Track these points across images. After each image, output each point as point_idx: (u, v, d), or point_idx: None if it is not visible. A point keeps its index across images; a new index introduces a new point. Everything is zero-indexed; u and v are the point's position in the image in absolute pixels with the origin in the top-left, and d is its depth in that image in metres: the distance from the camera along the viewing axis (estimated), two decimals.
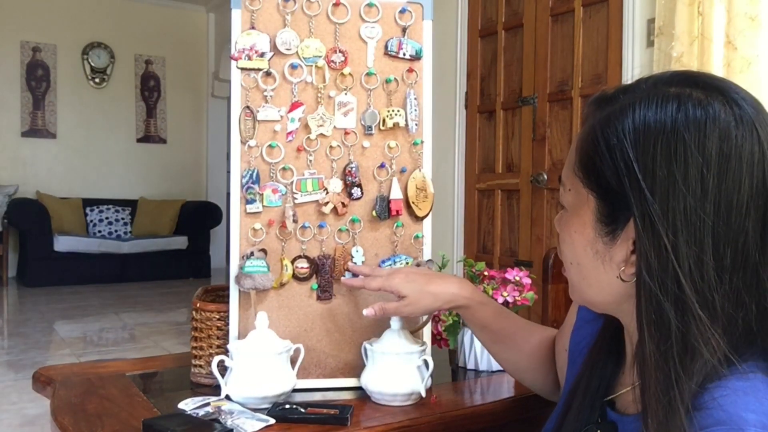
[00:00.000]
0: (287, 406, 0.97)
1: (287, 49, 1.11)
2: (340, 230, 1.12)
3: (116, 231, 6.70)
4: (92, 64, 7.08)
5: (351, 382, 1.11)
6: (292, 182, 1.11)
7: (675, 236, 0.55)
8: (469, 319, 1.00)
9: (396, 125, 1.13)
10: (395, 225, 1.14)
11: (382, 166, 1.14)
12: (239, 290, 1.08)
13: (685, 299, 0.55)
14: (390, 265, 1.13)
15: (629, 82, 0.65)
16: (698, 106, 0.57)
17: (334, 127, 1.12)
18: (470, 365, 1.23)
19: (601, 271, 0.64)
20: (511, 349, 0.99)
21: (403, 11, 1.15)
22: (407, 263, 1.13)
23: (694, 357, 0.54)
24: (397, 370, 1.02)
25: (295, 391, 1.06)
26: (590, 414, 0.70)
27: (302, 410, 0.96)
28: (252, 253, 1.07)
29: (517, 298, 1.21)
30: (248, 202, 1.09)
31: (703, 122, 0.56)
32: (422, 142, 1.15)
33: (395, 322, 1.06)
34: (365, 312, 1.00)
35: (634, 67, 2.85)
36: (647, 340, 0.57)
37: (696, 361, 0.54)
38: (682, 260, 0.55)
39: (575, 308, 0.88)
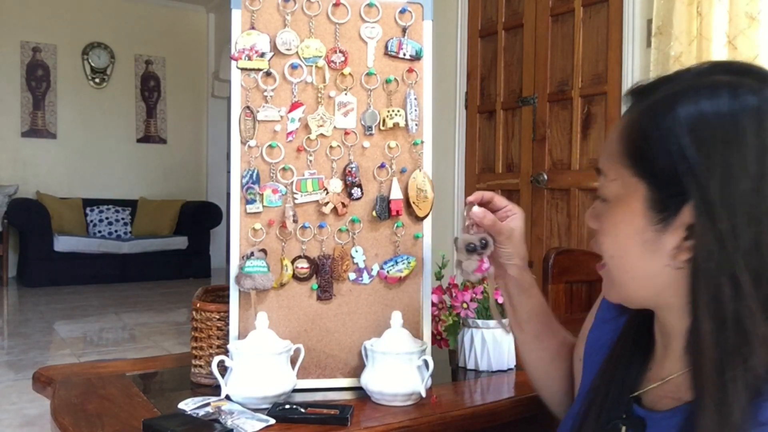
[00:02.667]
0: (287, 406, 0.97)
1: (287, 50, 1.11)
2: (340, 230, 1.12)
3: (116, 231, 6.70)
4: (92, 64, 7.08)
5: (351, 382, 1.11)
6: (292, 182, 1.11)
7: (732, 219, 0.57)
8: (512, 304, 0.94)
9: (396, 125, 1.13)
10: (395, 225, 1.14)
11: (382, 166, 1.14)
12: (239, 290, 1.08)
13: (741, 280, 0.56)
14: (392, 265, 1.13)
15: (665, 75, 0.67)
16: (752, 94, 0.59)
17: (334, 127, 1.12)
18: (470, 365, 1.23)
19: (648, 261, 0.64)
20: (540, 344, 0.94)
21: (403, 11, 1.15)
22: (409, 263, 1.13)
23: (749, 338, 0.56)
24: (397, 370, 1.02)
25: (295, 391, 1.06)
26: (615, 410, 0.69)
27: (302, 410, 0.96)
28: (252, 253, 1.07)
29: None
30: (248, 202, 1.09)
31: (758, 108, 0.58)
32: (422, 142, 1.15)
33: (396, 322, 1.06)
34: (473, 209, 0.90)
35: (633, 67, 2.85)
36: (703, 322, 0.58)
37: (751, 342, 0.56)
38: (739, 242, 0.57)
39: (593, 315, 0.87)
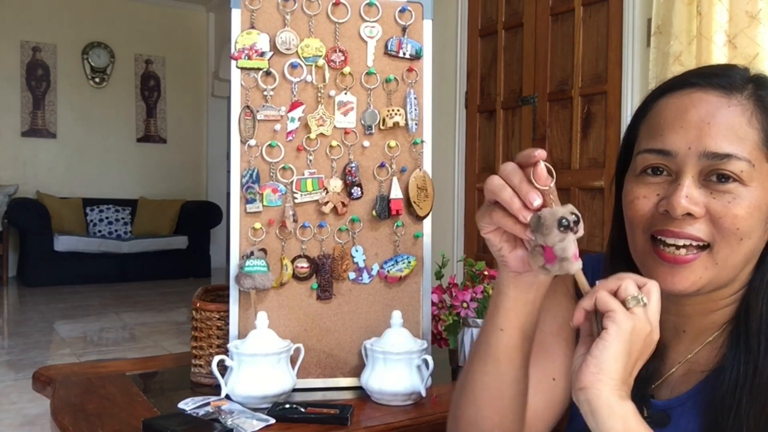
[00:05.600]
0: (287, 406, 0.97)
1: (287, 49, 1.11)
2: (340, 230, 1.12)
3: (116, 231, 6.70)
4: (92, 63, 7.07)
5: (351, 382, 1.11)
6: (292, 182, 1.11)
7: None
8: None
9: (396, 125, 1.13)
10: (395, 224, 1.14)
11: (382, 165, 1.14)
12: (239, 290, 1.08)
13: None
14: (392, 265, 1.13)
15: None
16: None
17: (334, 126, 1.12)
18: None
19: (762, 239, 0.66)
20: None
21: (403, 10, 1.15)
22: (409, 262, 1.13)
23: None
24: (397, 369, 1.02)
25: (295, 390, 1.06)
26: None
27: (302, 410, 0.96)
28: (252, 253, 1.07)
29: None
30: (248, 201, 1.09)
31: None
32: (422, 141, 1.15)
33: (396, 321, 1.06)
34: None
35: (633, 66, 2.85)
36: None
37: None
38: None
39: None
